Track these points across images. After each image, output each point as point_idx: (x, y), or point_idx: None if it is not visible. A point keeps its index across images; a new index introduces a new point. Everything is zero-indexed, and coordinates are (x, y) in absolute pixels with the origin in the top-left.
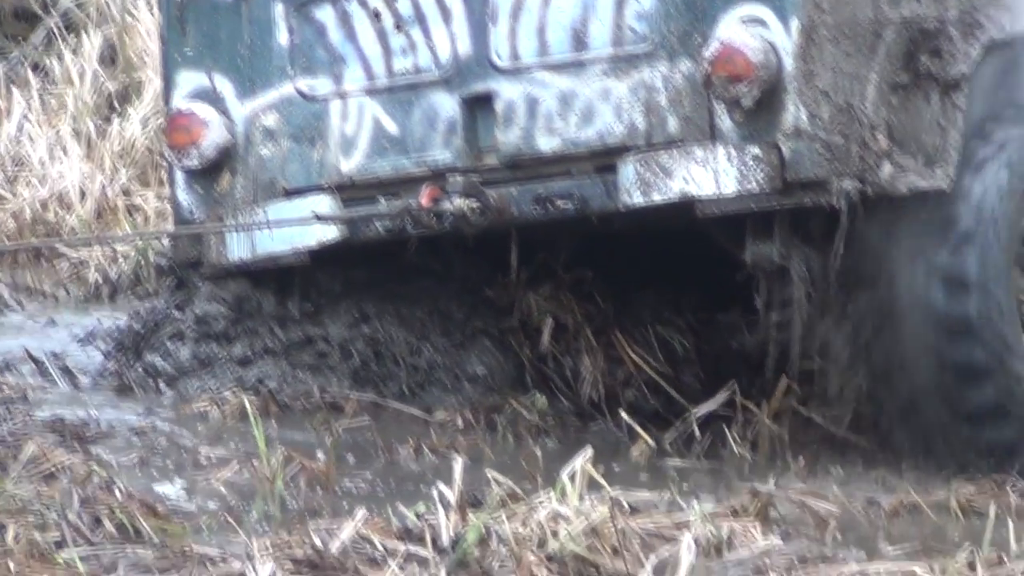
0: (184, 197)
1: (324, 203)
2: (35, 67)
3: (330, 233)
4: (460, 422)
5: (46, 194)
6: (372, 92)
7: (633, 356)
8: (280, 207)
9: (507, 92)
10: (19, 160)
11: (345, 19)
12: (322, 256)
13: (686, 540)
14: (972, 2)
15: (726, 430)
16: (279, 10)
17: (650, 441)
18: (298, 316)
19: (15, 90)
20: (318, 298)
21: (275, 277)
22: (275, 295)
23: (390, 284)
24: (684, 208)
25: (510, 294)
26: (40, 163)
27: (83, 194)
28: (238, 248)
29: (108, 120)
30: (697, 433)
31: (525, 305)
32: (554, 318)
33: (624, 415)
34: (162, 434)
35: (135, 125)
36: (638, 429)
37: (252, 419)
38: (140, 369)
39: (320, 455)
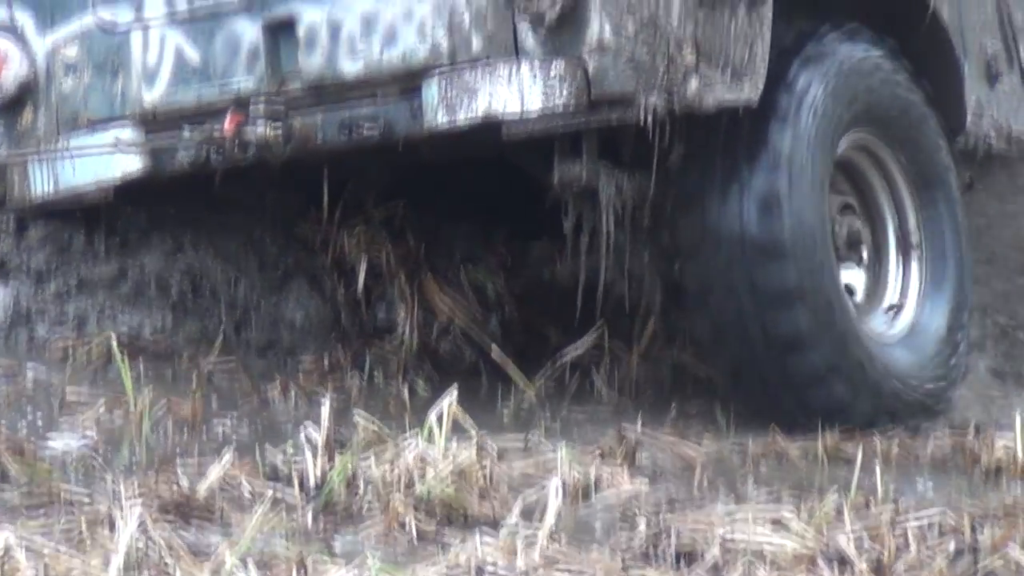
0: None
1: (127, 134)
2: None
3: (133, 165)
4: (327, 363)
5: None
6: (173, 21)
7: (444, 307)
8: (82, 139)
9: (309, 15)
10: None
11: None
12: (130, 194)
13: (553, 483)
14: None
15: (594, 372)
16: None
17: (529, 386)
18: (104, 253)
19: None
20: (126, 233)
21: (83, 210)
22: (85, 230)
23: (203, 221)
24: (491, 132)
25: (323, 231)
26: None
27: None
28: (41, 183)
29: None
30: (567, 376)
31: (338, 244)
32: (367, 259)
33: (495, 354)
34: (26, 375)
35: None
36: (511, 372)
37: (118, 360)
38: None
39: (187, 396)
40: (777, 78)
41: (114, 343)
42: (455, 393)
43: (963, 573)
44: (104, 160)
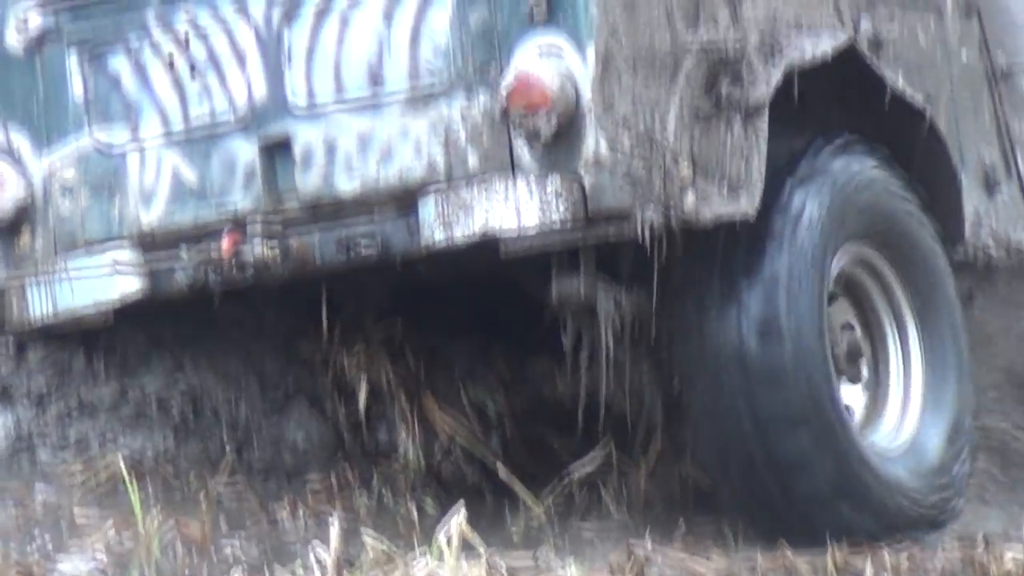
0: None
1: (124, 255)
2: None
3: (132, 286)
4: (335, 482)
5: None
6: (169, 141)
7: (445, 426)
8: (80, 261)
9: (305, 135)
10: None
11: (139, 68)
12: (129, 315)
13: None
14: (773, 26)
15: (602, 488)
16: (73, 61)
17: (537, 504)
18: (104, 375)
19: None
20: (125, 354)
21: (82, 332)
22: (84, 352)
23: (202, 341)
24: (488, 249)
25: (322, 352)
26: None
27: None
28: (40, 306)
29: None
30: (575, 493)
31: (338, 364)
32: (368, 379)
33: (501, 473)
34: (35, 498)
35: None
36: (518, 490)
37: (126, 482)
38: None
39: (196, 517)
40: (772, 200)
41: (122, 465)
42: (463, 511)
43: None
44: (102, 282)
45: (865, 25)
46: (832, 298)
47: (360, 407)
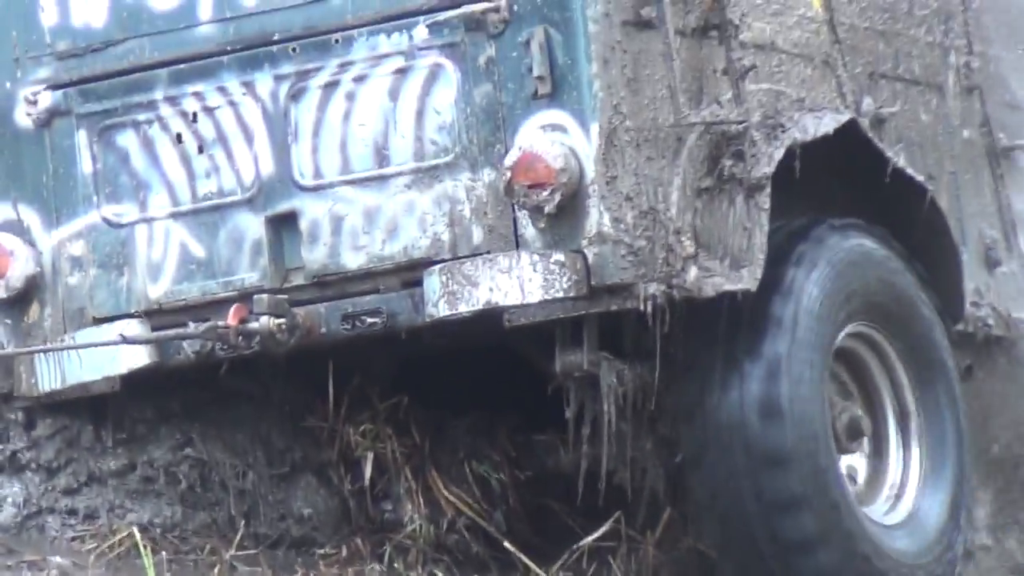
0: None
1: (132, 327)
2: None
3: (140, 359)
4: (346, 552)
5: None
6: (177, 216)
7: (450, 498)
8: (88, 334)
9: (311, 210)
10: None
11: (148, 144)
12: (138, 387)
13: None
14: (776, 105)
15: (611, 559)
16: (82, 137)
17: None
18: (112, 446)
19: None
20: (134, 426)
21: (90, 404)
22: (92, 424)
23: (210, 414)
24: (493, 321)
25: (329, 424)
26: None
27: None
28: (48, 377)
29: None
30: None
31: (344, 438)
32: (373, 453)
33: (508, 546)
34: (51, 569)
35: None
36: (527, 562)
37: (142, 551)
38: None
39: None
40: (772, 285)
41: (136, 535)
42: None
43: None
44: (110, 353)
45: (867, 104)
46: (832, 373)
47: (366, 481)
